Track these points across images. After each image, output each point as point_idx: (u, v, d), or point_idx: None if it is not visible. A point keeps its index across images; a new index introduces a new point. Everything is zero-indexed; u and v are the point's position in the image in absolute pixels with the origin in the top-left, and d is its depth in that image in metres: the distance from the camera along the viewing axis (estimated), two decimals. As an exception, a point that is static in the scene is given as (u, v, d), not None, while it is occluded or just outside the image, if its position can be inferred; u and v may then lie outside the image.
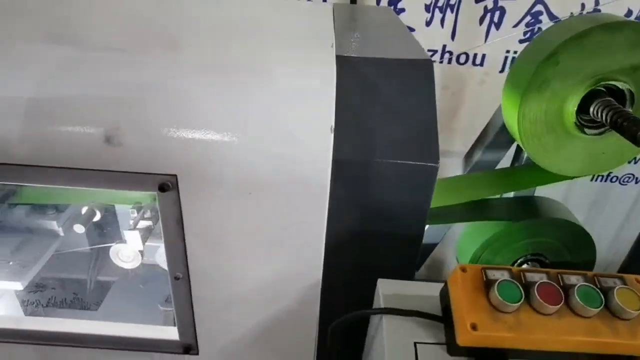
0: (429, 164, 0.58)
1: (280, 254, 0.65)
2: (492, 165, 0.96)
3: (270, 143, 0.58)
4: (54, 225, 0.98)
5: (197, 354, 0.76)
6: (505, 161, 0.97)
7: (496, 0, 1.26)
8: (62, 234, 0.99)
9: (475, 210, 0.93)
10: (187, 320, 0.72)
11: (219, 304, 0.70)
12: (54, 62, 0.59)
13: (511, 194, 0.98)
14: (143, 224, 0.90)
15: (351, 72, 0.61)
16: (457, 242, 1.03)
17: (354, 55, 0.64)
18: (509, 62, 1.36)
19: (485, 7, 1.27)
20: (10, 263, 0.92)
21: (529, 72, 0.70)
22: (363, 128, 0.60)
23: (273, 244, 0.64)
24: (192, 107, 0.58)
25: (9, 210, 0.95)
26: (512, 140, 0.87)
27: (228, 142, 0.57)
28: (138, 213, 0.90)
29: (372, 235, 0.65)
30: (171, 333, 0.76)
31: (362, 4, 1.29)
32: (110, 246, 0.92)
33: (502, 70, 1.37)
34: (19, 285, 0.88)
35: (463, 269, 0.51)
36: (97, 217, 0.95)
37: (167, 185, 0.59)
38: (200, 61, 0.61)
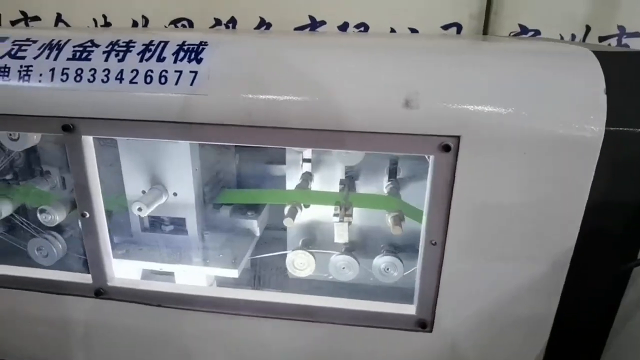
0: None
1: (538, 218, 0.69)
2: None
3: (543, 113, 0.65)
4: (253, 225, 1.06)
5: (431, 331, 0.78)
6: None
7: None
8: (258, 233, 1.07)
9: None
10: (429, 292, 0.76)
11: (468, 274, 0.73)
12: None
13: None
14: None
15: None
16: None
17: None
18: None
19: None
20: (220, 255, 0.99)
21: None
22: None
23: (534, 207, 0.68)
24: (480, 81, 0.67)
25: (216, 211, 1.05)
26: None
27: (505, 113, 0.65)
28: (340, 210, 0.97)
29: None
30: (405, 309, 0.79)
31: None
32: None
33: None
34: (235, 273, 0.95)
35: None
36: (300, 212, 1.02)
37: (448, 146, 0.67)
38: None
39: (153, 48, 0.71)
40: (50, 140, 1.07)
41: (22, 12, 1.33)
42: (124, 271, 0.91)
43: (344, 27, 1.27)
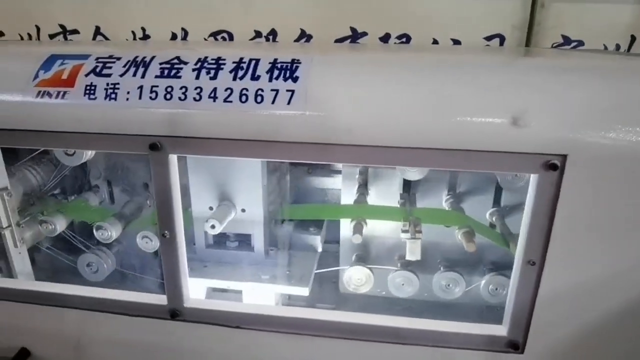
0: None
1: (643, 239, 0.68)
2: None
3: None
4: (316, 240, 1.04)
5: (522, 352, 0.76)
6: None
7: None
8: (320, 249, 1.05)
9: None
10: (523, 312, 0.74)
11: (565, 295, 0.72)
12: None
13: None
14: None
15: None
16: None
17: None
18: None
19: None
20: (288, 272, 0.97)
21: None
22: None
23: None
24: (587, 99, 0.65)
25: (279, 227, 1.03)
26: None
27: (613, 131, 0.63)
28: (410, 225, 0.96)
29: None
30: (495, 329, 0.77)
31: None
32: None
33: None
34: (306, 291, 0.93)
35: None
36: (365, 228, 1.01)
37: (555, 165, 0.65)
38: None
39: (245, 66, 0.69)
40: (102, 154, 1.05)
41: (61, 26, 1.32)
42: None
43: (385, 38, 1.26)
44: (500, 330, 0.77)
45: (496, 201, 1.01)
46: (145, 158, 0.72)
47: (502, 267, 1.00)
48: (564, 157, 0.65)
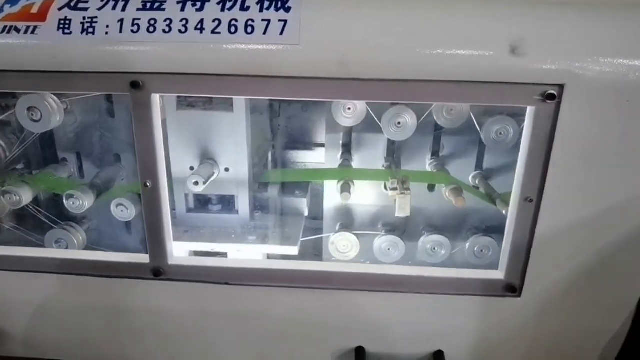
0: None
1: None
2: None
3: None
4: (303, 204, 1.01)
5: (519, 296, 0.75)
6: None
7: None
8: (306, 213, 1.02)
9: None
10: (519, 254, 0.73)
11: (562, 234, 0.71)
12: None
13: None
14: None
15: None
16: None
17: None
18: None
19: None
20: (274, 233, 0.93)
21: None
22: None
23: (636, 158, 0.67)
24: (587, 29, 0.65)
25: (263, 190, 0.99)
26: None
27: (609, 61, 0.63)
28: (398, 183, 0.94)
29: None
30: (491, 274, 0.76)
31: None
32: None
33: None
34: (295, 250, 0.89)
35: None
36: (353, 187, 0.98)
37: (552, 95, 0.65)
38: None
39: (233, -3, 0.66)
40: (71, 122, 0.99)
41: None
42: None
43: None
44: (497, 274, 0.76)
45: (478, 165, 1.01)
46: (119, 124, 0.66)
47: (487, 230, 1.00)
48: (561, 87, 0.64)
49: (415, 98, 0.68)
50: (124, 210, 0.93)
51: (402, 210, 0.92)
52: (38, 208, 1.02)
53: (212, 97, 0.85)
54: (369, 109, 0.90)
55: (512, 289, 0.75)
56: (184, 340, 0.83)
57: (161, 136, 0.71)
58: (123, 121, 0.94)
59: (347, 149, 1.03)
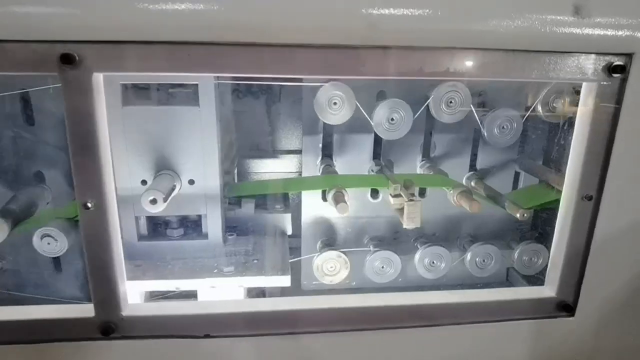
0: None
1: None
2: None
3: None
4: (285, 220, 0.83)
5: (573, 315, 0.62)
6: None
7: None
8: (290, 231, 0.83)
9: None
10: (574, 264, 0.59)
11: (623, 236, 0.59)
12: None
13: None
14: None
15: None
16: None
17: None
18: None
19: None
20: (255, 261, 0.74)
21: None
22: None
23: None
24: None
25: (235, 207, 0.79)
26: None
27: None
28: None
29: None
30: (538, 292, 0.62)
31: None
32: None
33: None
34: (287, 280, 0.70)
35: None
36: (347, 196, 0.81)
37: (619, 68, 0.52)
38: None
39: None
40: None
41: None
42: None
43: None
44: (546, 291, 0.62)
45: (472, 165, 0.90)
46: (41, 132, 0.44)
47: (484, 237, 0.90)
48: (629, 57, 0.52)
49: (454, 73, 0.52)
50: (52, 243, 0.69)
51: (411, 220, 0.76)
52: None
53: (172, 89, 0.65)
54: (357, 103, 0.75)
55: (566, 307, 0.61)
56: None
57: (107, 136, 0.50)
58: (46, 128, 0.71)
59: (327, 152, 0.87)
